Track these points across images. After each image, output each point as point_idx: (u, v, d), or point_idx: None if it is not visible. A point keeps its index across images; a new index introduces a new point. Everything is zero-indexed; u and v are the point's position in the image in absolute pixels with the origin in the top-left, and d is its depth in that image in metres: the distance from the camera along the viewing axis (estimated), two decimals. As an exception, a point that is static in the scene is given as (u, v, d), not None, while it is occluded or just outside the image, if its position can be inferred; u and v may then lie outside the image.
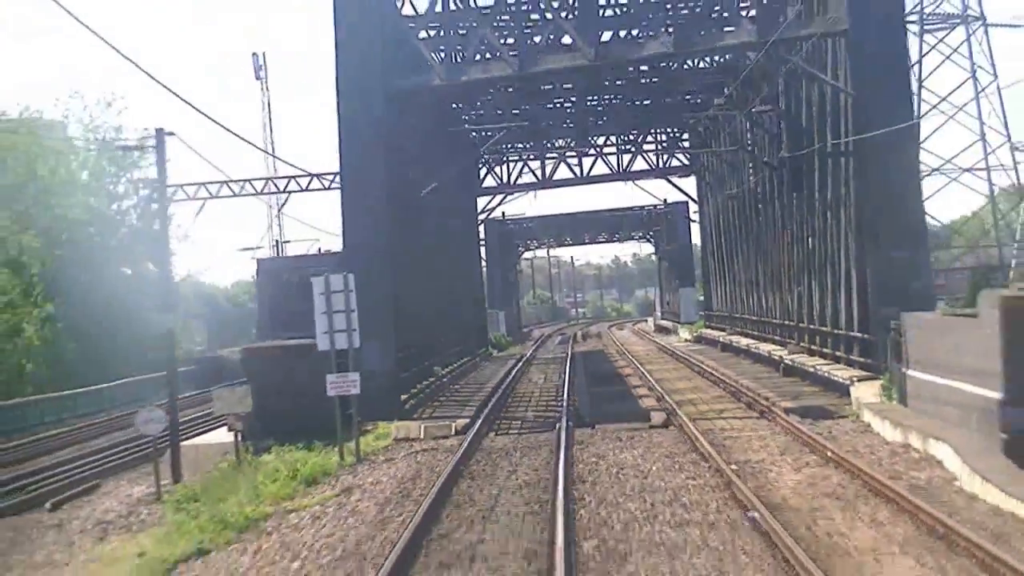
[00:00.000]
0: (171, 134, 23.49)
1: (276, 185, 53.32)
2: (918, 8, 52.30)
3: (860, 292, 23.31)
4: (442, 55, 29.59)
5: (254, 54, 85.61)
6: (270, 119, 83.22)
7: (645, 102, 41.44)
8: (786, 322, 32.26)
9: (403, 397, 26.00)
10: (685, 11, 27.09)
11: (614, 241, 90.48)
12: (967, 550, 10.59)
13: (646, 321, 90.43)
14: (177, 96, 39.40)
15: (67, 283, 45.39)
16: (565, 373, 34.73)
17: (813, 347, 28.23)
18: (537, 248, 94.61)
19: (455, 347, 40.01)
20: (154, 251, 50.02)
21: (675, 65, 33.28)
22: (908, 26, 51.13)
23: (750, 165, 36.07)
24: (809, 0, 23.96)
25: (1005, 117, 51.68)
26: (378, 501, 15.73)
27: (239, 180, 52.52)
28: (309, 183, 51.63)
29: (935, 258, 42.39)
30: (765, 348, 32.62)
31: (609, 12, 28.21)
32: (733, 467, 15.89)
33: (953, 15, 52.21)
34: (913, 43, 52.72)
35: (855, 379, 22.11)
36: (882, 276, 21.80)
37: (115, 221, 51.50)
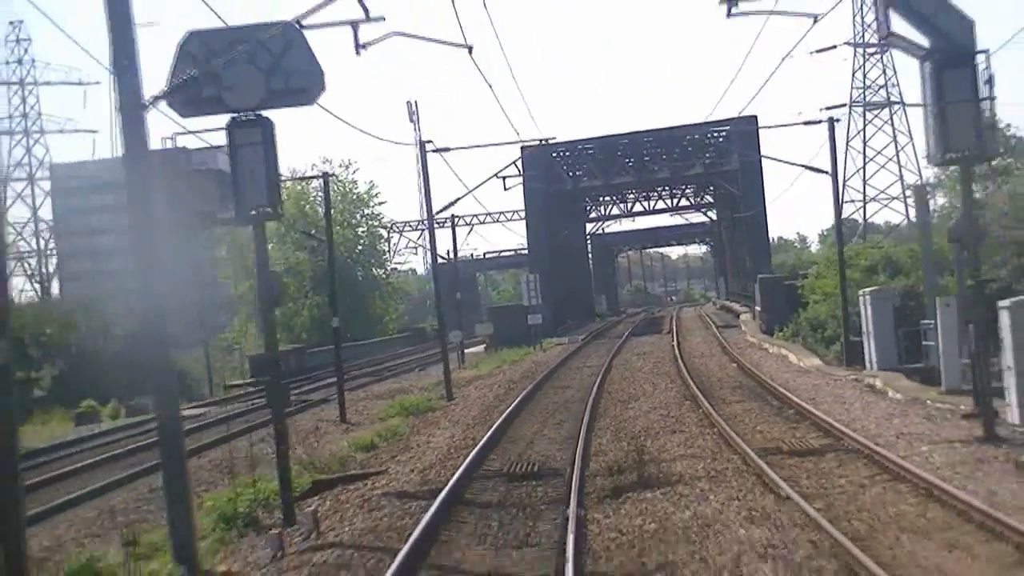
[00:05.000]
0: (458, 216, 51.86)
1: (465, 220, 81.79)
2: (861, 98, 77.90)
3: (749, 277, 50.37)
4: (569, 167, 57.53)
5: (408, 102, 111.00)
6: (423, 155, 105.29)
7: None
8: (741, 293, 59.36)
9: (556, 329, 53.94)
10: (678, 158, 54.48)
11: (680, 245, 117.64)
12: (726, 351, 37.58)
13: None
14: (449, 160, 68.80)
15: (326, 282, 69.98)
16: (634, 326, 62.04)
17: (748, 304, 55.12)
18: (629, 251, 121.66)
19: (576, 312, 67.70)
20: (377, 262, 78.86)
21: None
22: (856, 108, 77.58)
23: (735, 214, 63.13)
24: (723, 155, 51.16)
25: (918, 164, 76.70)
26: (559, 352, 43.76)
27: (442, 218, 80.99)
28: (484, 218, 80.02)
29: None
30: (735, 307, 59.56)
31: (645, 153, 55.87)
32: (680, 340, 43.10)
33: (883, 102, 77.68)
34: (858, 120, 78.94)
35: (743, 313, 49.36)
36: (754, 271, 48.53)
37: (353, 241, 79.11)
